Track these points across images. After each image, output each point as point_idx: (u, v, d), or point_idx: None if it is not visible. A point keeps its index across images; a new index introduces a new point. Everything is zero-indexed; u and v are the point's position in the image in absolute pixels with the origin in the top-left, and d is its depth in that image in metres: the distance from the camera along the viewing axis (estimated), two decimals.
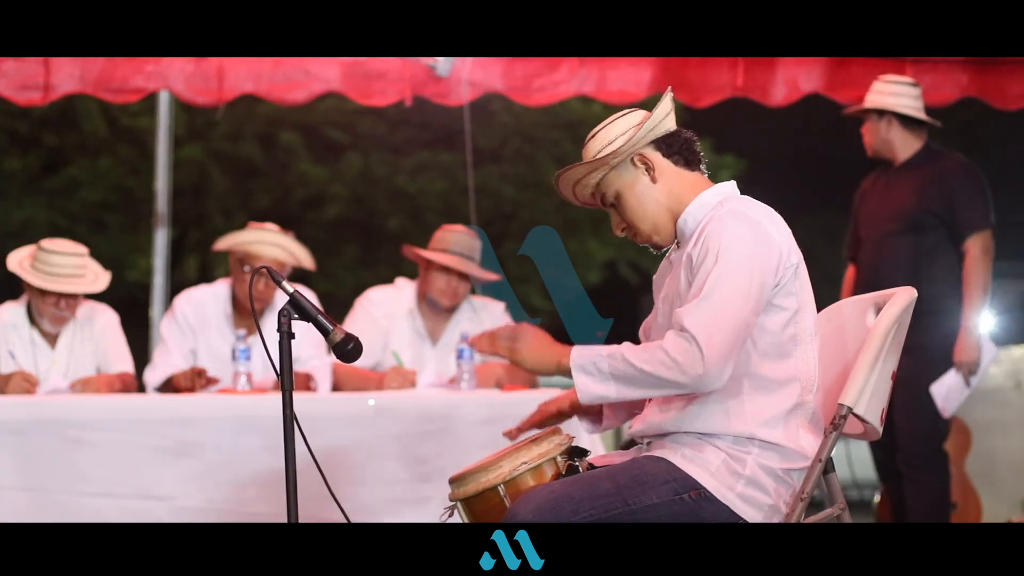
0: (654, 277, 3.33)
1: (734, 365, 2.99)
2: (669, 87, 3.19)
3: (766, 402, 3.05)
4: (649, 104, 3.23)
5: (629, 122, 3.15)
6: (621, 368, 3.00)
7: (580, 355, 3.05)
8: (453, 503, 3.15)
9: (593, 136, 3.18)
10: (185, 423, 4.66)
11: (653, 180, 3.14)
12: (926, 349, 5.15)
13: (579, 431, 3.51)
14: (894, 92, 5.40)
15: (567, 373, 3.06)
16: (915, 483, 5.29)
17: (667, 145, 3.15)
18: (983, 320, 5.37)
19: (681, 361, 2.94)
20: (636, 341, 3.36)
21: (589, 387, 3.03)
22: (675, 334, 2.97)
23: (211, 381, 5.07)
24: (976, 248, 5.25)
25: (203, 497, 4.61)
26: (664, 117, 3.14)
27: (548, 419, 3.37)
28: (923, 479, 5.29)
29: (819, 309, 3.30)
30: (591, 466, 3.17)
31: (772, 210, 3.12)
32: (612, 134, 3.14)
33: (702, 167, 3.20)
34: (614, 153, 3.11)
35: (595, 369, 3.03)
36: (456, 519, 3.16)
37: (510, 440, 3.34)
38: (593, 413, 3.38)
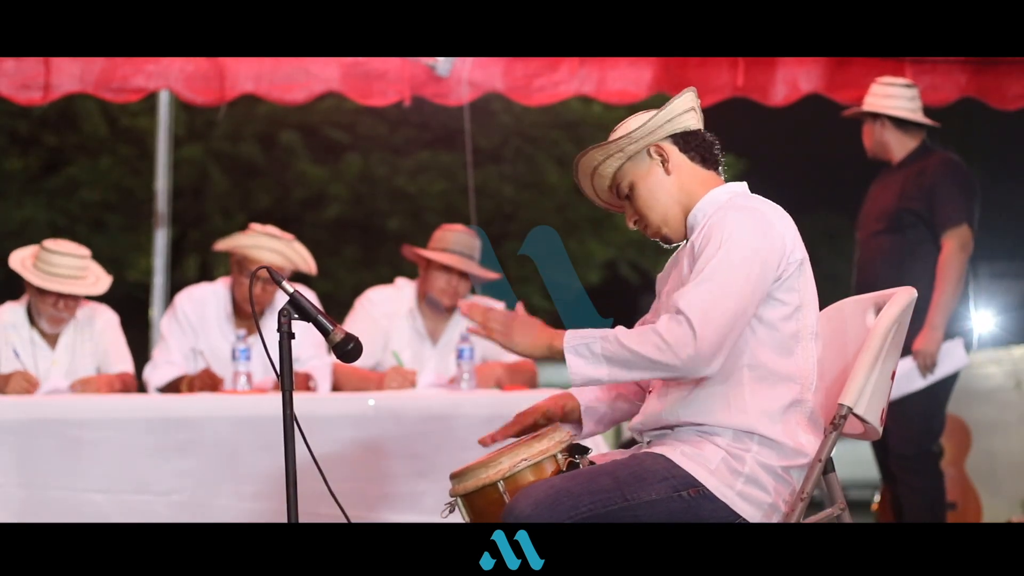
0: (658, 276, 3.34)
1: (731, 355, 3.00)
2: (693, 88, 3.22)
3: (766, 394, 3.05)
4: (651, 103, 3.25)
5: (649, 114, 3.19)
6: (613, 350, 3.00)
7: (573, 337, 3.04)
8: (453, 499, 3.15)
9: (615, 130, 3.21)
10: (185, 423, 4.66)
11: (667, 172, 3.17)
12: (904, 346, 5.12)
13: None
14: (888, 94, 5.42)
15: (559, 355, 3.05)
16: (907, 486, 5.29)
17: (685, 141, 3.18)
18: (975, 323, 5.35)
19: (672, 342, 2.94)
20: None
21: (582, 369, 3.03)
22: (669, 316, 2.98)
23: (216, 382, 5.06)
24: (952, 243, 5.24)
25: (203, 496, 4.62)
26: (683, 112, 3.17)
27: (525, 429, 3.33)
28: (914, 481, 5.28)
29: (820, 309, 3.30)
30: (592, 464, 3.17)
31: (780, 208, 3.14)
32: (631, 125, 3.18)
33: (719, 168, 3.23)
34: (629, 137, 3.14)
35: (588, 351, 3.02)
36: (456, 515, 3.17)
37: (484, 447, 3.32)
38: (573, 420, 3.36)
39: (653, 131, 3.15)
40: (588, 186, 3.27)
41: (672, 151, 3.18)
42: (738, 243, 3.00)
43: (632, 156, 3.18)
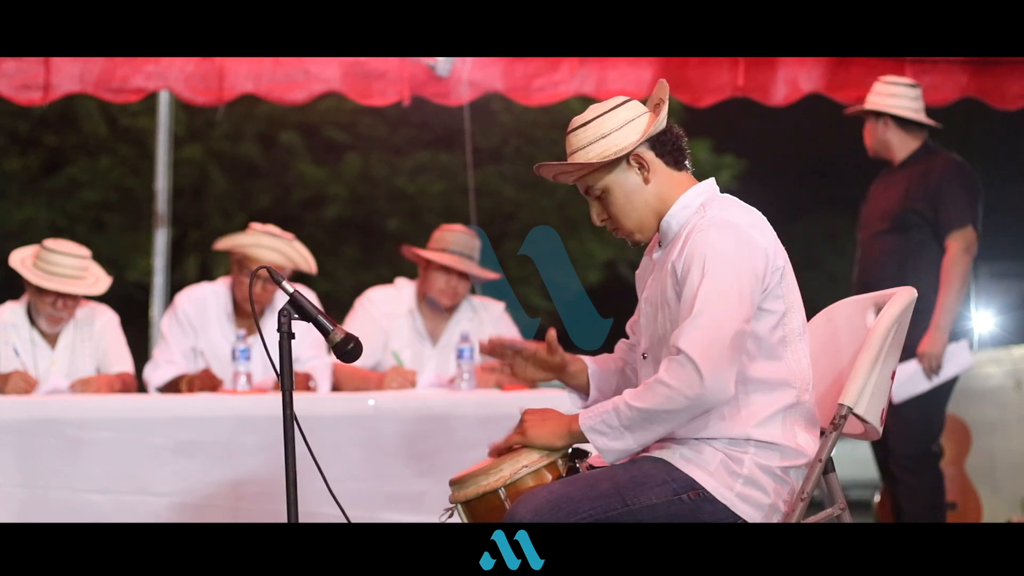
0: (636, 273, 3.32)
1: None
2: (663, 81, 3.15)
3: (760, 403, 3.05)
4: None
5: (623, 117, 3.10)
6: (628, 416, 2.99)
7: (588, 417, 3.04)
8: (453, 505, 3.15)
9: (583, 125, 3.11)
10: (184, 423, 4.66)
11: (646, 181, 3.11)
12: (909, 348, 5.13)
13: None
14: (891, 93, 5.42)
15: (580, 438, 3.06)
16: (907, 485, 5.29)
17: (660, 144, 3.12)
18: (975, 323, 5.35)
19: (678, 386, 2.93)
20: None
21: (609, 446, 3.03)
22: (670, 360, 2.96)
23: (216, 383, 5.06)
24: (956, 245, 5.25)
25: (202, 496, 4.62)
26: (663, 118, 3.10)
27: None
28: (914, 481, 5.29)
29: (819, 309, 3.30)
30: (591, 467, 3.17)
31: (755, 211, 3.11)
32: (606, 127, 3.09)
33: (687, 164, 3.17)
34: (613, 154, 3.07)
35: (606, 427, 3.02)
36: (456, 520, 3.16)
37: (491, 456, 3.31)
38: (580, 384, 3.34)
39: (636, 144, 3.08)
40: (548, 176, 3.19)
41: (650, 157, 3.11)
42: (723, 267, 2.96)
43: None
